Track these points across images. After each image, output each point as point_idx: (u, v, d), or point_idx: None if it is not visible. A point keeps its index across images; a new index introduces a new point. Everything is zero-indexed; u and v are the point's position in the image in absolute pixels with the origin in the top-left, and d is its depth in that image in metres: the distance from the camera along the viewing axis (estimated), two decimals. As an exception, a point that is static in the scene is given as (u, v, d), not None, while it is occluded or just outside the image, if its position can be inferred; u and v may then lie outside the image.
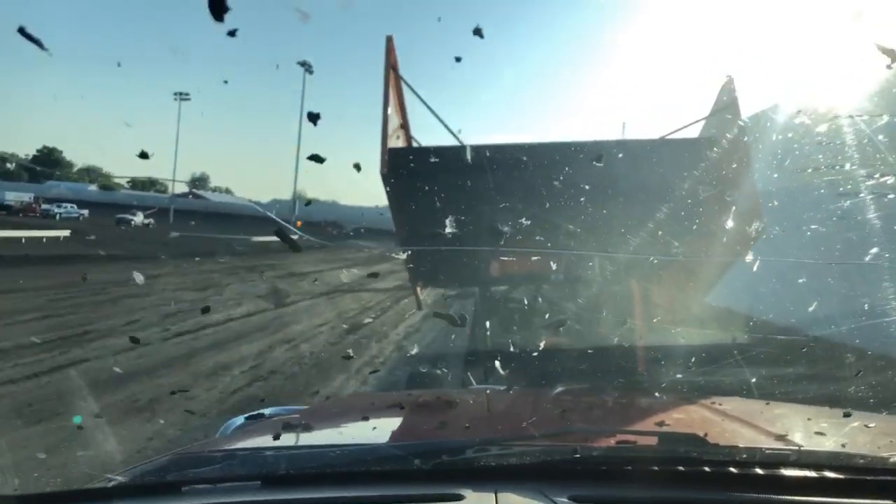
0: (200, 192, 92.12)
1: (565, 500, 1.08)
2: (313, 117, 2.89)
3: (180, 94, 63.83)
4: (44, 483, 4.20)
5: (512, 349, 4.56)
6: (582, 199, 4.13)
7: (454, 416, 1.88)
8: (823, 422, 1.66)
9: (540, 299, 5.21)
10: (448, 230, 3.61)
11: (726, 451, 1.24)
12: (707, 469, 1.15)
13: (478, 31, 3.48)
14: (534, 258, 4.78)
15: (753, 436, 1.57)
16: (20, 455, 4.91)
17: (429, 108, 5.07)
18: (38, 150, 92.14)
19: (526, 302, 5.27)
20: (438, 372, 5.19)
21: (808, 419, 1.70)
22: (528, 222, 3.95)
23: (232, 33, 2.33)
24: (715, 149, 4.48)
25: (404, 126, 5.31)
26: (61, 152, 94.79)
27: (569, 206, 4.17)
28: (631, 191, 4.39)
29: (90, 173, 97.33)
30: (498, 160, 4.63)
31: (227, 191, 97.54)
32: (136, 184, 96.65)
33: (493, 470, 1.19)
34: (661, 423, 1.53)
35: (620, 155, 4.33)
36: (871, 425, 1.62)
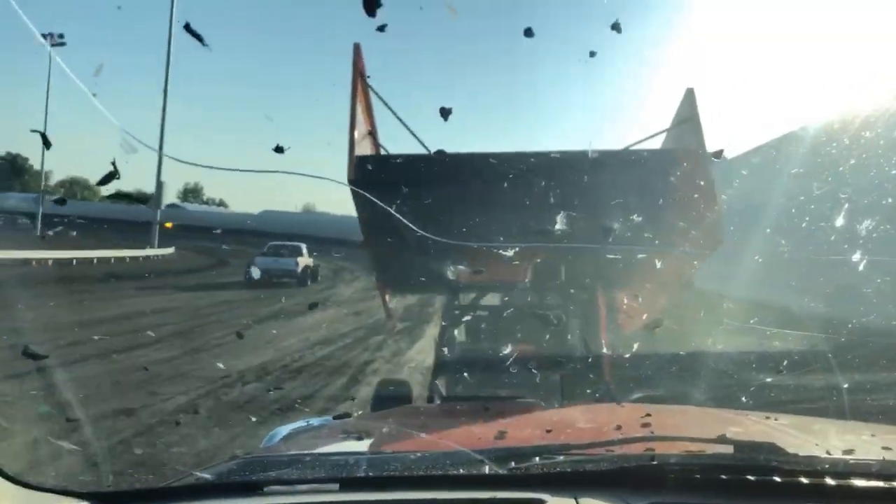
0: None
1: None
2: (445, 113, 2.85)
3: (51, 35, 34.90)
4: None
5: (482, 358, 4.44)
6: (547, 207, 4.08)
7: (513, 425, 1.86)
8: (891, 438, 1.61)
9: (511, 306, 5.13)
10: (415, 236, 3.59)
11: (802, 461, 1.23)
12: (777, 479, 1.15)
13: (528, 32, 3.47)
14: (505, 265, 4.75)
15: (820, 449, 1.55)
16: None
17: (395, 115, 5.08)
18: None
19: (497, 309, 5.17)
20: (405, 388, 5.13)
21: (873, 435, 1.67)
22: (493, 228, 3.96)
23: None
24: (674, 161, 4.48)
25: (372, 133, 5.29)
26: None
27: (534, 214, 4.14)
28: (595, 200, 4.33)
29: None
30: (464, 169, 4.60)
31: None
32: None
33: (570, 475, 1.19)
34: (732, 433, 1.52)
35: (585, 164, 4.33)
36: None
